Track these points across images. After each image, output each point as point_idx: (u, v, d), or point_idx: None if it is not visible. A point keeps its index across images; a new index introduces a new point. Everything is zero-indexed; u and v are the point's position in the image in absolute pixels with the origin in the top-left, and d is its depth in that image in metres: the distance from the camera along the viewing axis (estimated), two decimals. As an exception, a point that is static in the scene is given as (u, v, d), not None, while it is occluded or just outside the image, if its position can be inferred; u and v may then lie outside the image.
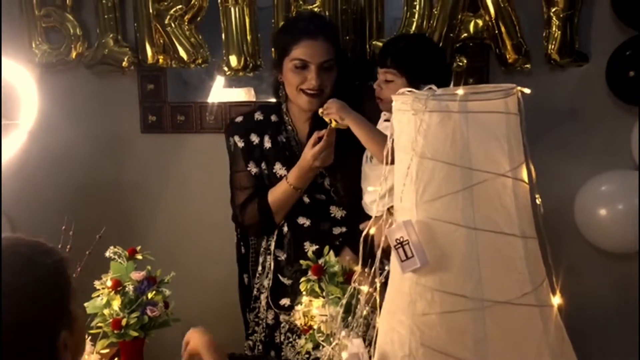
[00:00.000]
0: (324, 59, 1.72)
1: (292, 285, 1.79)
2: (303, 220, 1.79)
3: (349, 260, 1.63)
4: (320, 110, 1.66)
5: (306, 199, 1.79)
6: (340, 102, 1.65)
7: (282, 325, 1.83)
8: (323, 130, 1.68)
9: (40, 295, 1.02)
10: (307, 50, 1.71)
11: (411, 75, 1.62)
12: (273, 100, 1.92)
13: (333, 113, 1.64)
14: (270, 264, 1.84)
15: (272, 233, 1.84)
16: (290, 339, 1.82)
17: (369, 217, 1.64)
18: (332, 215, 1.78)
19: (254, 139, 1.84)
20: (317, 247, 1.75)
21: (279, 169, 1.80)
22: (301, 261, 1.70)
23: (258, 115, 1.88)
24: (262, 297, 1.86)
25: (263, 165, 1.83)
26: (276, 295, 1.83)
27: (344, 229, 1.77)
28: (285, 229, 1.81)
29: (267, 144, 1.83)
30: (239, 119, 1.90)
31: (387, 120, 1.68)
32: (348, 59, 1.93)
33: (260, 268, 1.87)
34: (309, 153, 1.70)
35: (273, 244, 1.83)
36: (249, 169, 1.83)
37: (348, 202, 1.76)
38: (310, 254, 1.65)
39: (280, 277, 1.82)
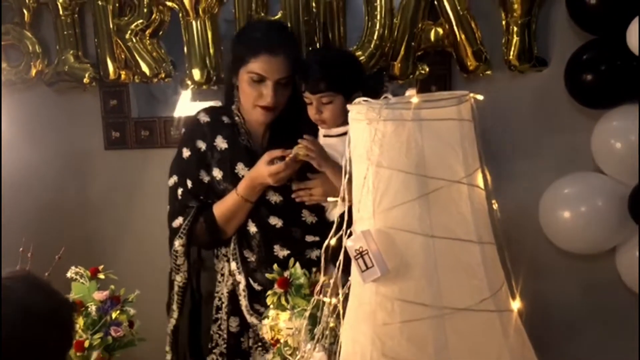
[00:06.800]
0: (282, 75, 1.68)
1: (263, 292, 1.69)
2: (275, 221, 1.73)
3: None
4: (297, 150, 1.62)
5: (278, 199, 1.73)
6: (321, 148, 1.64)
7: (250, 329, 1.76)
8: (282, 151, 1.65)
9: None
10: (265, 66, 1.67)
11: (347, 90, 1.63)
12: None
13: (313, 158, 1.62)
14: (228, 270, 1.78)
15: (224, 244, 1.78)
16: (259, 345, 1.75)
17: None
18: (304, 219, 1.73)
19: (201, 145, 1.78)
20: (288, 252, 1.71)
21: (241, 169, 1.74)
22: (267, 275, 1.68)
23: (203, 117, 1.81)
24: (224, 306, 1.79)
25: (215, 172, 1.76)
26: (251, 300, 1.75)
27: (317, 238, 1.71)
28: (254, 229, 1.74)
29: (223, 144, 1.76)
30: (183, 130, 1.87)
31: (326, 135, 1.69)
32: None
33: (219, 276, 1.81)
34: (265, 170, 1.66)
35: (234, 247, 1.76)
36: (200, 177, 1.78)
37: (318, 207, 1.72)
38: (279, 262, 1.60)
39: (252, 282, 1.75)
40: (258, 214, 1.74)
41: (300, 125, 1.71)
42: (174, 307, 1.82)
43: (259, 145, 1.78)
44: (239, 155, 1.75)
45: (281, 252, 1.72)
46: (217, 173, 1.76)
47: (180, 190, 1.79)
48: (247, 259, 1.76)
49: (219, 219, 1.74)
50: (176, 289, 1.81)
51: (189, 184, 1.78)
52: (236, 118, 1.80)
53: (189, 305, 1.82)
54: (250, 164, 1.72)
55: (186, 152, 1.80)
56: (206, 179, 1.78)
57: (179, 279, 1.80)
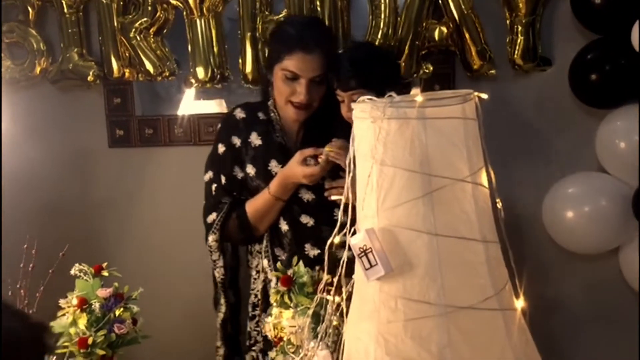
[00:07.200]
0: (316, 73, 1.67)
1: None
2: (306, 220, 1.72)
3: None
4: (327, 151, 1.62)
5: (310, 197, 1.72)
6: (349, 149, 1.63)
7: None
8: (314, 149, 1.65)
9: None
10: (299, 64, 1.65)
11: (379, 88, 1.59)
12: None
13: (341, 161, 1.61)
14: (262, 268, 1.78)
15: (258, 240, 1.79)
16: None
17: None
18: (335, 218, 1.71)
19: (236, 141, 1.78)
20: (318, 251, 1.69)
21: (274, 166, 1.73)
22: (270, 272, 1.67)
23: (239, 113, 1.81)
24: (260, 303, 1.80)
25: (249, 168, 1.76)
26: None
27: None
28: (285, 227, 1.74)
29: (257, 141, 1.76)
30: (219, 126, 1.86)
31: None
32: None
33: (254, 272, 1.82)
34: (299, 170, 1.65)
35: (266, 245, 1.77)
36: (234, 174, 1.77)
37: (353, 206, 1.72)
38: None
39: None
40: (290, 212, 1.74)
41: (336, 123, 1.70)
42: (222, 301, 1.83)
43: (293, 143, 1.77)
44: (272, 152, 1.75)
45: (312, 251, 1.71)
46: (251, 169, 1.76)
47: (214, 186, 1.79)
48: (278, 257, 1.77)
49: (251, 217, 1.75)
50: (218, 285, 1.83)
51: (223, 179, 1.78)
52: (272, 114, 1.79)
53: (232, 300, 1.84)
54: (283, 162, 1.72)
55: (221, 148, 1.80)
56: (240, 175, 1.77)
57: (217, 274, 1.82)
